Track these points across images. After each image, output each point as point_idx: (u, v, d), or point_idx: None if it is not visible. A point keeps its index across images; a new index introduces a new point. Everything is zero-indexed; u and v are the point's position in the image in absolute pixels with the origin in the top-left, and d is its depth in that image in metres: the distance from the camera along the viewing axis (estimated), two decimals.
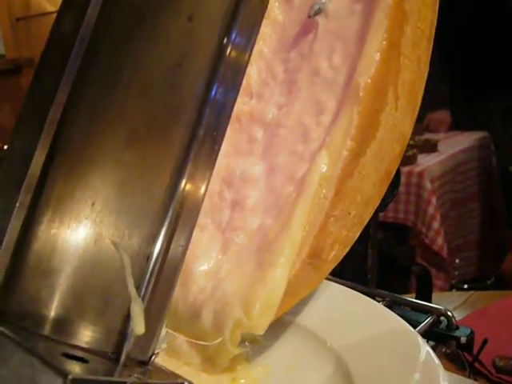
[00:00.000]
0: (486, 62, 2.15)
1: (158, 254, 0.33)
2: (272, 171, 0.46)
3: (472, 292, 0.94)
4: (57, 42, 0.35)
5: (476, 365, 0.67)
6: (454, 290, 1.74)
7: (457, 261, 2.04)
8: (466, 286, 1.92)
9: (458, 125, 2.30)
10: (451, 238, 1.99)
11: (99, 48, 0.35)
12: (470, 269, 2.13)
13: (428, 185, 1.85)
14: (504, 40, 2.12)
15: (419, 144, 2.02)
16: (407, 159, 1.84)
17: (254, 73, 0.52)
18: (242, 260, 0.43)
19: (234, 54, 0.36)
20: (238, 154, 0.50)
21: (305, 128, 0.46)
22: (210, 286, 0.44)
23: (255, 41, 0.38)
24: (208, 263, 0.45)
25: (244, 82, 0.45)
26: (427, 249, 1.85)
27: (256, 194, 0.46)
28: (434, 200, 1.85)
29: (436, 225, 1.84)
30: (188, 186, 0.34)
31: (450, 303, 0.86)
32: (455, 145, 2.14)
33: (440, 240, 1.84)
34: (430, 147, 2.05)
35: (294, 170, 0.45)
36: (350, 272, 0.58)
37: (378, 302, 0.54)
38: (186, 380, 0.33)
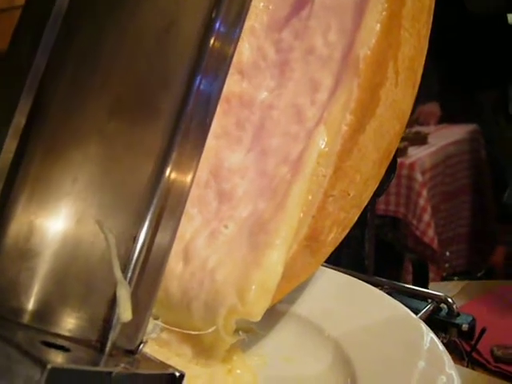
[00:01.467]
0: (475, 54, 2.14)
1: (146, 234, 0.30)
2: (263, 155, 0.44)
3: (467, 281, 0.92)
4: (33, 8, 0.33)
5: (474, 354, 0.65)
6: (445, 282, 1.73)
7: (447, 253, 2.04)
8: (456, 279, 1.92)
9: (448, 117, 2.29)
10: (442, 230, 1.98)
11: (80, 13, 0.32)
12: (461, 261, 2.13)
13: (419, 177, 1.84)
14: (492, 31, 2.11)
15: (409, 136, 2.01)
16: (398, 151, 1.82)
17: (245, 49, 0.49)
18: (233, 247, 0.40)
19: (224, 21, 0.34)
20: (227, 140, 0.47)
21: (299, 108, 0.44)
22: (195, 282, 0.41)
23: (248, 9, 0.35)
24: (192, 259, 0.43)
25: (235, 58, 0.42)
26: (418, 241, 1.84)
27: (246, 182, 0.44)
28: (424, 192, 1.84)
29: (427, 217, 1.83)
30: (178, 161, 0.31)
31: (446, 293, 0.85)
32: (445, 137, 2.14)
33: (431, 232, 1.84)
34: (421, 139, 2.04)
35: (288, 150, 0.42)
36: (346, 258, 0.56)
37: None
38: (177, 370, 0.30)
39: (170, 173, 0.31)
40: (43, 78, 0.31)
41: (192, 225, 0.44)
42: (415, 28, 0.43)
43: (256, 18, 0.49)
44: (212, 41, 0.33)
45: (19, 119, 0.32)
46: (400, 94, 0.43)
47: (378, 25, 0.40)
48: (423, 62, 0.46)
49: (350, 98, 0.39)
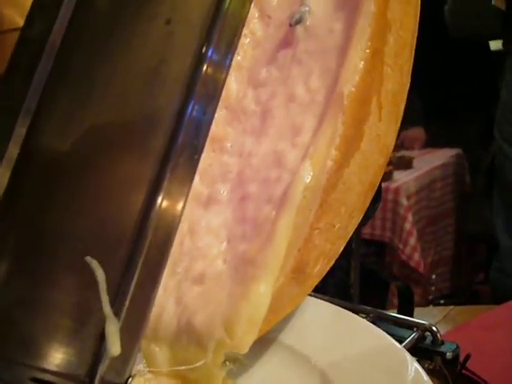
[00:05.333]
0: (459, 78, 2.18)
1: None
2: (243, 203, 0.43)
3: (452, 307, 0.93)
4: (26, 46, 0.33)
5: (464, 372, 0.66)
6: (430, 306, 1.74)
7: (433, 276, 2.05)
8: (442, 302, 1.93)
9: (433, 142, 2.32)
10: (427, 253, 2.00)
11: (72, 52, 0.33)
12: (446, 284, 2.14)
13: (404, 201, 1.86)
14: (476, 55, 2.16)
15: (394, 161, 2.03)
16: (383, 175, 1.84)
17: (232, 85, 0.50)
18: (209, 296, 0.40)
19: (213, 60, 0.35)
20: (204, 194, 0.46)
21: (279, 154, 0.43)
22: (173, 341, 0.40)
23: (236, 47, 0.37)
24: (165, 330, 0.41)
25: (224, 92, 0.43)
26: (404, 265, 1.86)
27: (222, 237, 0.42)
28: (410, 216, 1.86)
29: (413, 241, 1.85)
30: (168, 190, 0.32)
31: (431, 318, 0.85)
32: (430, 161, 2.17)
33: (417, 256, 1.85)
34: (406, 164, 2.07)
35: (270, 192, 0.41)
36: (331, 287, 0.56)
37: (362, 317, 0.52)
38: None
39: (159, 204, 0.32)
40: (35, 116, 0.32)
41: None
42: (397, 64, 0.45)
43: (244, 56, 0.50)
44: (201, 77, 0.34)
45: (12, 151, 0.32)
46: (383, 128, 0.44)
47: (362, 62, 0.41)
48: (405, 98, 0.47)
49: (335, 133, 0.39)
